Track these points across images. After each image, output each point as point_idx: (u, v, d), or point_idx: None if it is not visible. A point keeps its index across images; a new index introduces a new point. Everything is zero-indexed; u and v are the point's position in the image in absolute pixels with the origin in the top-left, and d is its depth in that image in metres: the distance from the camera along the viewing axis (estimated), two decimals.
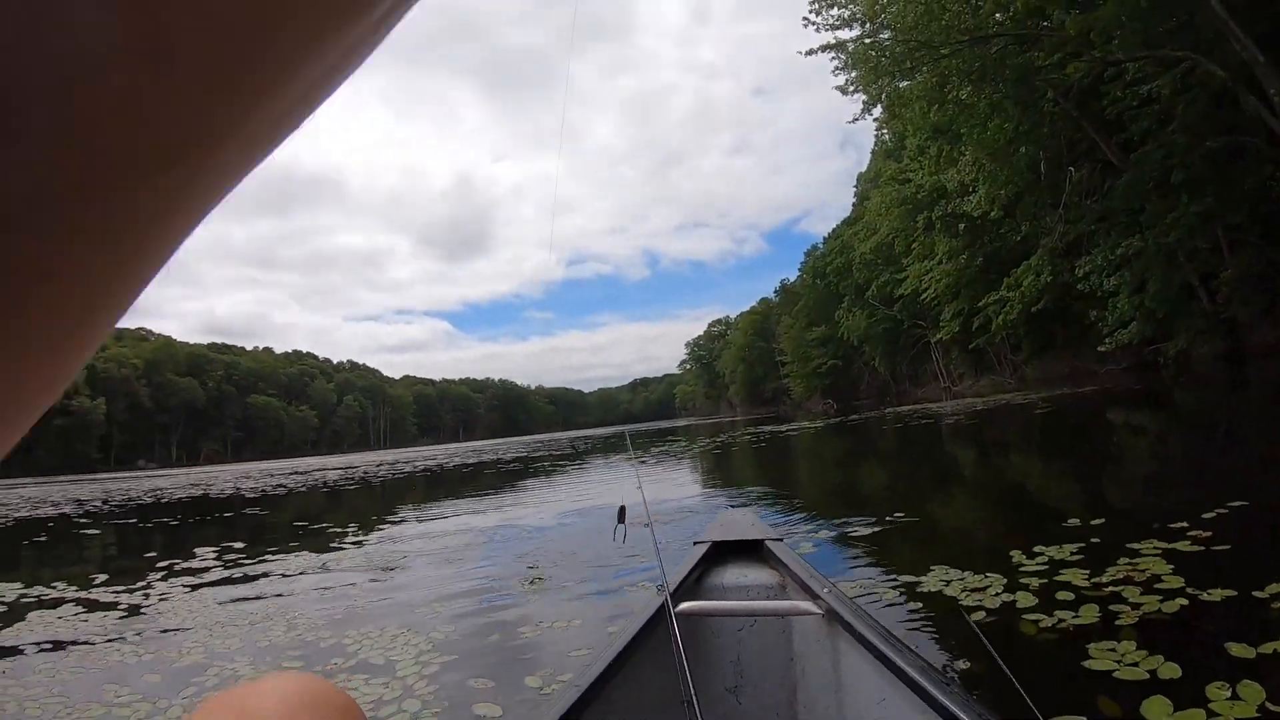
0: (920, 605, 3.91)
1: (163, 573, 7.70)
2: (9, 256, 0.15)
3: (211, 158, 0.17)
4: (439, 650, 4.08)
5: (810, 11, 27.48)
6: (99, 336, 0.18)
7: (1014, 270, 37.76)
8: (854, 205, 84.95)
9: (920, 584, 4.23)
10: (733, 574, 2.70)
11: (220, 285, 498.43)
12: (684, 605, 2.29)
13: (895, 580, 4.40)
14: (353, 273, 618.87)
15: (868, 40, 27.33)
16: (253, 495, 21.32)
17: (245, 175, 0.20)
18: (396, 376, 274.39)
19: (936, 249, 48.33)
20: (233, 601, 6.04)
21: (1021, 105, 28.96)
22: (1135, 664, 2.76)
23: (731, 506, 8.49)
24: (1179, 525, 4.64)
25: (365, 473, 30.49)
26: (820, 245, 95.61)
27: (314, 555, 8.18)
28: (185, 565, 8.11)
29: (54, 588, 7.22)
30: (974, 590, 3.95)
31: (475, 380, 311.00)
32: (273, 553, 8.60)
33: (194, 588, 6.75)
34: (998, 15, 26.05)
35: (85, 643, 4.97)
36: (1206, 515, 4.82)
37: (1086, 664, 2.83)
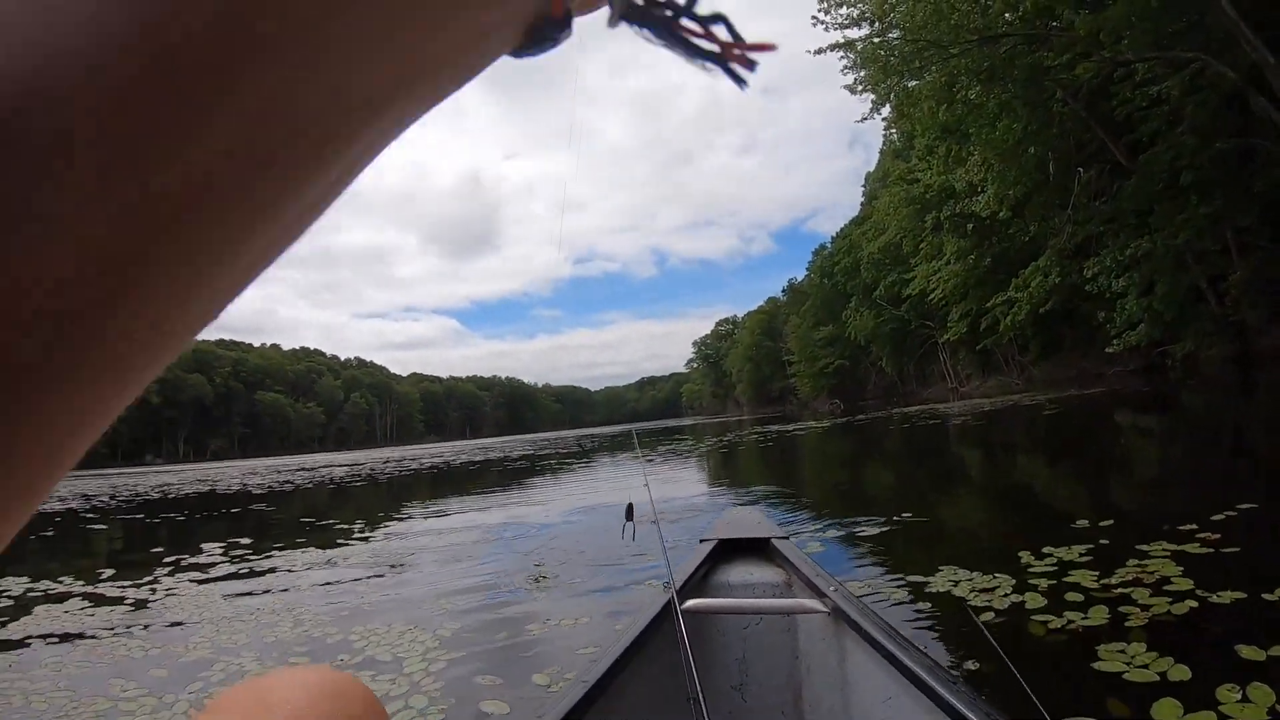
0: (928, 605, 3.90)
1: (169, 568, 7.71)
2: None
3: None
4: (446, 647, 4.07)
5: (819, 10, 27.45)
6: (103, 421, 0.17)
7: (1022, 271, 37.57)
8: (862, 205, 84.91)
9: (928, 584, 4.22)
10: (739, 572, 2.69)
11: None
12: (690, 602, 2.28)
13: (903, 580, 4.39)
14: (361, 270, 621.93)
15: (876, 39, 27.28)
16: (259, 491, 21.36)
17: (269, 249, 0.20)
18: (403, 374, 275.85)
19: (944, 249, 48.17)
20: (239, 597, 6.05)
21: (1030, 105, 28.85)
22: (1145, 666, 2.75)
23: (737, 505, 8.48)
24: (1188, 527, 4.62)
25: (372, 470, 30.52)
26: (828, 245, 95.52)
27: (320, 551, 8.19)
28: (192, 560, 8.13)
29: (60, 582, 7.23)
30: (983, 591, 3.94)
31: (482, 378, 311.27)
32: (279, 549, 8.61)
33: (201, 583, 6.76)
34: (1007, 15, 25.98)
35: (92, 637, 4.98)
36: (1215, 517, 4.80)
37: (1096, 665, 2.82)
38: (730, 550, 2.84)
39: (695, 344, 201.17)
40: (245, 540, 9.61)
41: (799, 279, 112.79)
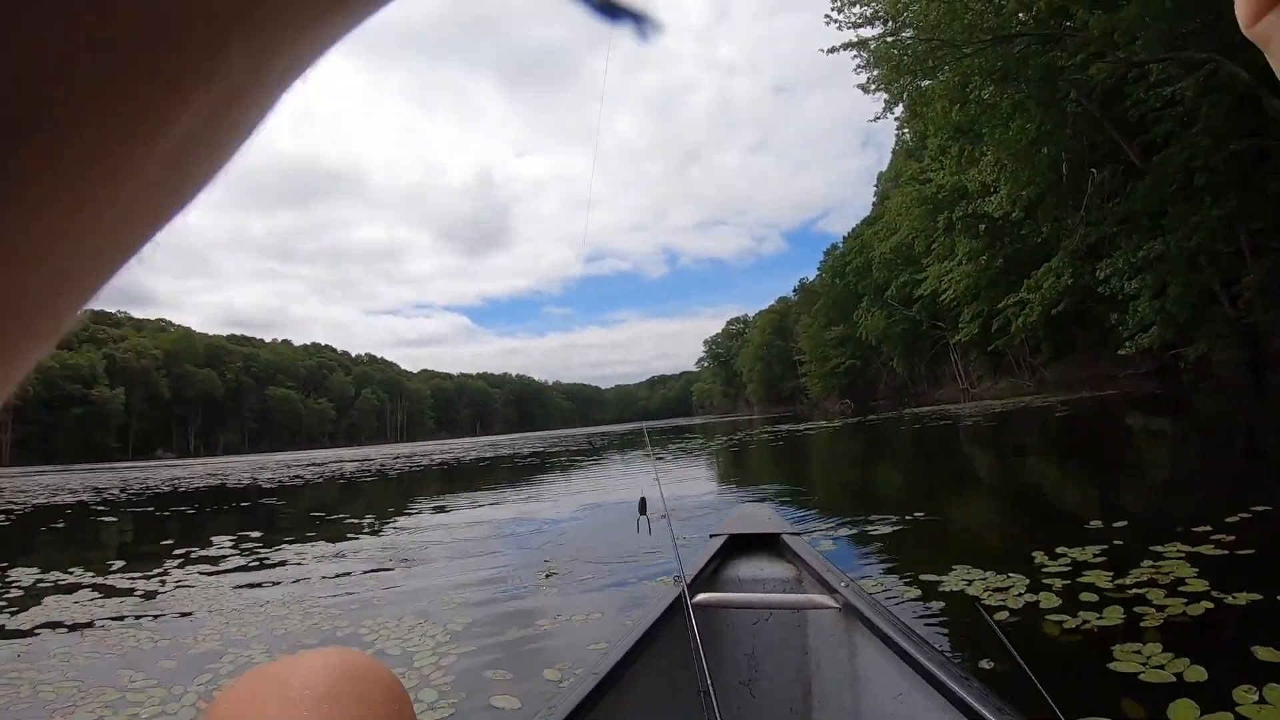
0: (942, 604, 3.88)
1: (179, 560, 7.74)
2: None
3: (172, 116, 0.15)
4: (456, 641, 4.07)
5: (833, 9, 27.40)
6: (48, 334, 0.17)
7: (1034, 272, 37.44)
8: (874, 204, 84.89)
9: (941, 583, 4.20)
10: (749, 567, 2.68)
11: (240, 277, 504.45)
12: (700, 596, 2.27)
13: (916, 579, 4.37)
14: (372, 266, 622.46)
15: (890, 38, 27.21)
16: (269, 485, 21.42)
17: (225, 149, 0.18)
18: (414, 370, 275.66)
19: (957, 250, 48.09)
20: (249, 589, 6.07)
21: (1044, 106, 28.72)
22: (1161, 666, 2.73)
23: (748, 501, 8.47)
24: (1202, 529, 4.60)
25: (382, 465, 30.57)
26: (840, 244, 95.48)
27: (330, 545, 8.21)
28: (202, 553, 8.15)
29: (70, 573, 7.26)
30: (996, 590, 3.92)
31: (493, 375, 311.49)
32: (289, 542, 8.63)
33: (210, 575, 6.78)
34: (1021, 14, 25.89)
35: (101, 627, 4.99)
36: (1229, 519, 4.78)
37: (1111, 666, 2.80)
38: (741, 545, 2.83)
39: (706, 343, 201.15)
40: (255, 533, 9.62)
41: (810, 279, 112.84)
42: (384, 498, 15.84)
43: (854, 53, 28.00)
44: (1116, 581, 3.80)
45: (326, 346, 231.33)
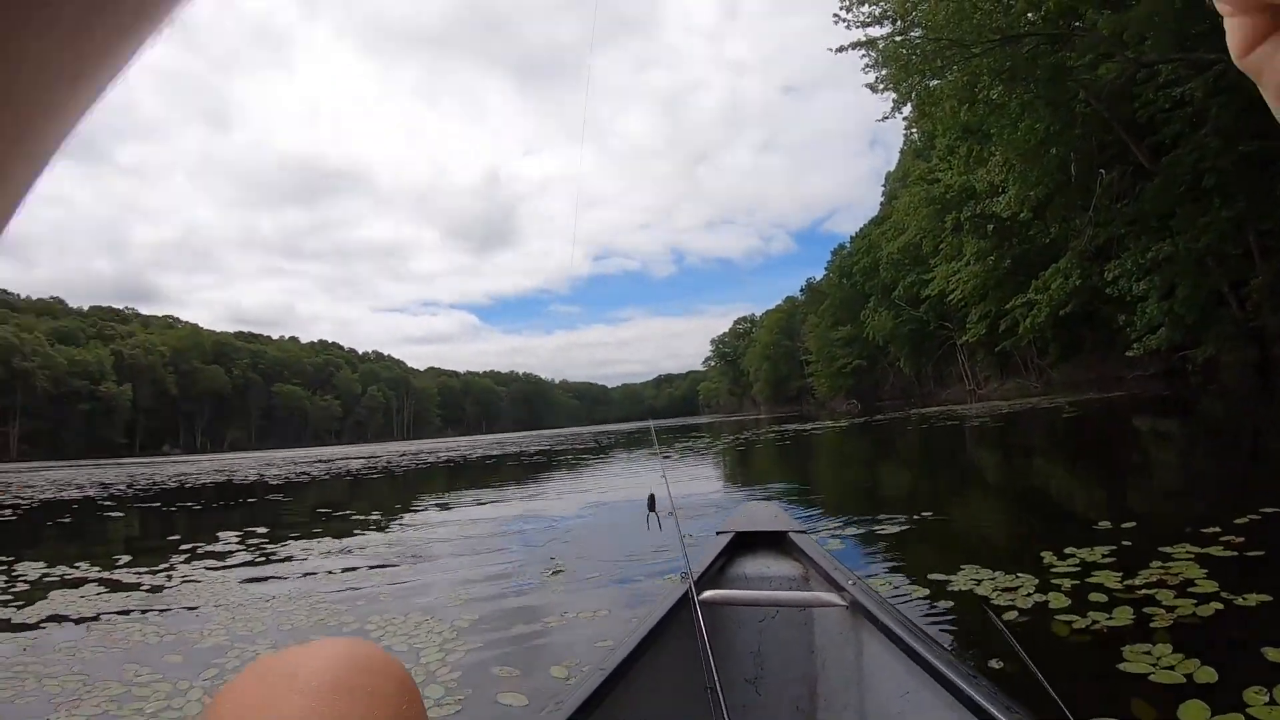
0: (949, 604, 3.87)
1: (186, 555, 7.75)
2: None
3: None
4: (463, 637, 4.06)
5: (841, 8, 27.30)
6: None
7: (1042, 273, 37.35)
8: (882, 204, 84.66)
9: (949, 582, 4.19)
10: (756, 564, 2.68)
11: (247, 275, 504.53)
12: (707, 593, 2.27)
13: (923, 578, 4.36)
14: (379, 264, 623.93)
15: (898, 38, 27.11)
16: (276, 482, 21.45)
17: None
18: (421, 368, 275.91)
19: (964, 250, 47.93)
20: (255, 584, 6.07)
21: (1053, 106, 28.60)
22: (1171, 667, 2.71)
23: (754, 500, 8.46)
24: (1211, 530, 4.58)
25: (389, 463, 30.61)
26: (847, 244, 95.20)
27: (336, 541, 8.21)
28: (208, 548, 8.16)
29: (77, 567, 7.27)
30: (1005, 590, 3.91)
31: (499, 373, 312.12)
32: (295, 538, 8.63)
33: (216, 570, 6.78)
34: (1030, 14, 25.77)
35: (106, 622, 5.00)
36: (1238, 521, 4.77)
37: (1121, 666, 2.79)
38: (748, 543, 2.82)
39: (713, 342, 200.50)
40: (261, 529, 9.64)
41: (817, 278, 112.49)
42: (390, 494, 15.85)
43: (862, 52, 27.90)
44: (1126, 582, 3.78)
45: (333, 343, 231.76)
